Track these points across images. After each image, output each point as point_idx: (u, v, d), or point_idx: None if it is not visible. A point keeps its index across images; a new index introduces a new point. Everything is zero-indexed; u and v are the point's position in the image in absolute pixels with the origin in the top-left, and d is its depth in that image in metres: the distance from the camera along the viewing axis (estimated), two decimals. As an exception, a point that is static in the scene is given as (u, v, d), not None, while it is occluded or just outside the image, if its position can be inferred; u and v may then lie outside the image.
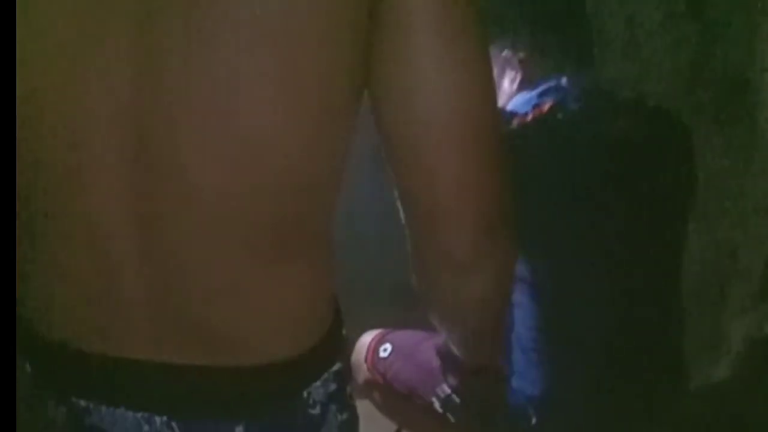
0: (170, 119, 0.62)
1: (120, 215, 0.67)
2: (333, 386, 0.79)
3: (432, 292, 0.80)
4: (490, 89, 0.66)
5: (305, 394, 0.76)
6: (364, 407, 2.07)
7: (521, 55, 1.23)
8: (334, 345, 0.80)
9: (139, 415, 0.75)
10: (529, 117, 1.12)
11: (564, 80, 1.16)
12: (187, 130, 0.62)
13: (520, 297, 1.19)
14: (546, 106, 1.12)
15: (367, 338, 1.52)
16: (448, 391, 1.20)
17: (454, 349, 0.91)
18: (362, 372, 1.50)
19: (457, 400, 1.18)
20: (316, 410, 0.78)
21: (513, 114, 1.15)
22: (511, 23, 1.23)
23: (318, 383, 0.77)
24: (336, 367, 0.79)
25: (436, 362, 1.34)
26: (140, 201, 0.66)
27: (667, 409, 1.21)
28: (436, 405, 1.25)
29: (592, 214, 1.12)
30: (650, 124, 1.16)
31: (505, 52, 1.24)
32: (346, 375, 0.81)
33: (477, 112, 0.64)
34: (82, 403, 0.76)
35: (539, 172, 1.10)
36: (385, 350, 1.46)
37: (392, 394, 1.46)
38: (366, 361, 1.49)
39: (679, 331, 1.23)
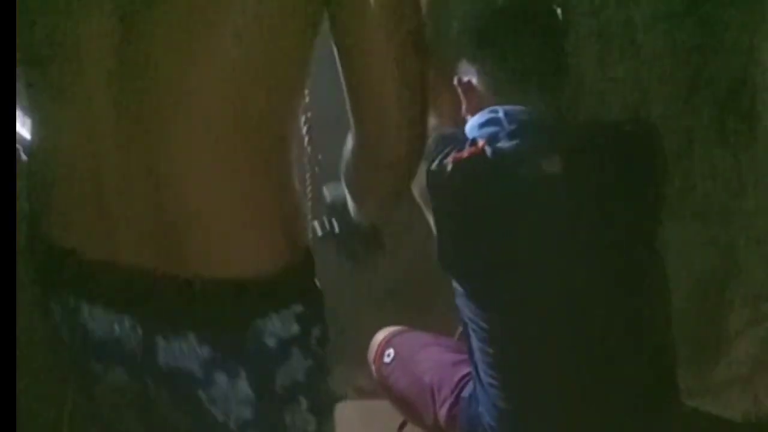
0: (150, 23, 0.71)
1: (107, 119, 0.75)
2: (295, 328, 0.83)
3: (360, 181, 0.94)
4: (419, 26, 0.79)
5: (258, 321, 0.80)
6: (365, 407, 2.09)
7: (470, 79, 1.19)
8: (298, 286, 0.85)
9: (112, 315, 0.82)
10: (465, 153, 1.08)
11: (501, 112, 1.12)
12: (163, 32, 0.71)
13: (475, 340, 1.19)
14: (480, 143, 1.09)
15: (378, 337, 1.54)
16: (329, 225, 1.28)
17: (352, 207, 1.01)
18: (372, 371, 1.52)
19: (336, 231, 1.27)
20: (272, 342, 0.82)
21: (459, 142, 1.12)
22: (467, 49, 1.20)
23: (275, 317, 0.81)
24: (298, 309, 0.83)
25: (428, 378, 1.36)
26: (124, 100, 0.74)
27: None
28: (318, 230, 1.30)
29: (534, 255, 1.09)
30: (591, 159, 1.10)
31: (456, 78, 1.21)
32: (312, 322, 0.85)
33: (406, 43, 0.77)
34: (72, 301, 0.84)
35: (477, 213, 1.09)
36: (389, 355, 1.47)
37: (396, 398, 1.48)
38: (374, 362, 1.50)
39: (649, 362, 1.18)
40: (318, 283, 0.89)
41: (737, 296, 1.77)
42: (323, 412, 0.90)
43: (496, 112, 1.13)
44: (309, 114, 1.41)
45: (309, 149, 1.43)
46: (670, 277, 1.22)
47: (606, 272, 1.11)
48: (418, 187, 1.17)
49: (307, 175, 1.49)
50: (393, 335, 1.52)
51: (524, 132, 1.09)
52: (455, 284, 1.18)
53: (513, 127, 1.09)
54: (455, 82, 1.21)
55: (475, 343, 1.19)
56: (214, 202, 0.76)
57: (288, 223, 0.83)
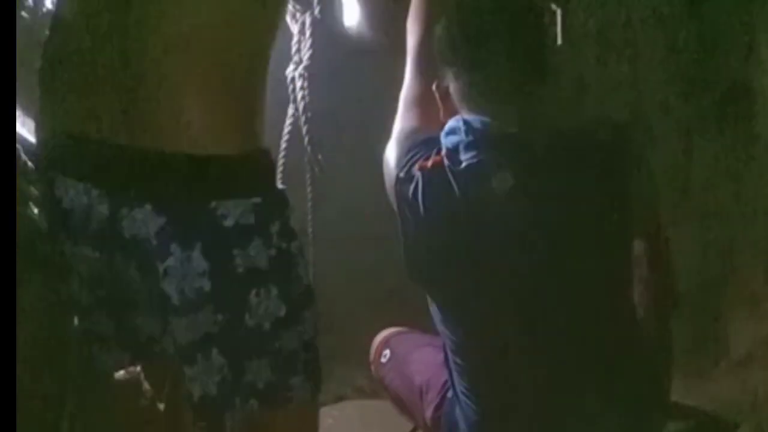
0: None
1: (99, 22, 0.88)
2: (251, 218, 0.90)
3: None
4: None
5: (213, 202, 0.89)
6: (365, 407, 2.08)
7: (447, 85, 1.17)
8: (257, 180, 0.93)
9: (81, 186, 0.91)
10: (429, 163, 1.09)
11: (461, 122, 1.11)
12: None
13: (447, 349, 1.20)
14: (442, 152, 1.09)
15: (378, 337, 1.55)
16: None
17: None
18: (372, 371, 1.54)
19: None
20: (229, 223, 0.90)
21: (431, 148, 1.12)
22: (443, 54, 1.18)
23: (231, 203, 0.90)
24: (257, 200, 0.91)
25: (418, 379, 1.37)
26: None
27: None
28: None
29: (490, 268, 1.09)
30: (545, 173, 1.08)
31: (435, 82, 1.20)
32: (270, 216, 0.93)
33: None
34: (51, 174, 0.94)
35: (437, 224, 1.09)
36: (385, 356, 1.49)
37: (392, 398, 1.50)
38: (372, 363, 1.52)
39: (632, 359, 1.17)
40: (281, 186, 0.97)
41: (736, 297, 1.77)
42: (296, 301, 0.95)
43: (459, 121, 1.12)
44: (309, 114, 1.41)
45: (309, 149, 1.43)
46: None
47: (566, 284, 1.10)
48: (388, 192, 1.18)
49: (307, 176, 1.50)
50: (391, 336, 1.53)
51: (479, 145, 1.08)
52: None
53: (470, 138, 1.09)
54: (434, 86, 1.20)
55: (448, 352, 1.20)
56: (183, 92, 0.87)
57: (247, 120, 0.92)
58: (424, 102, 1.24)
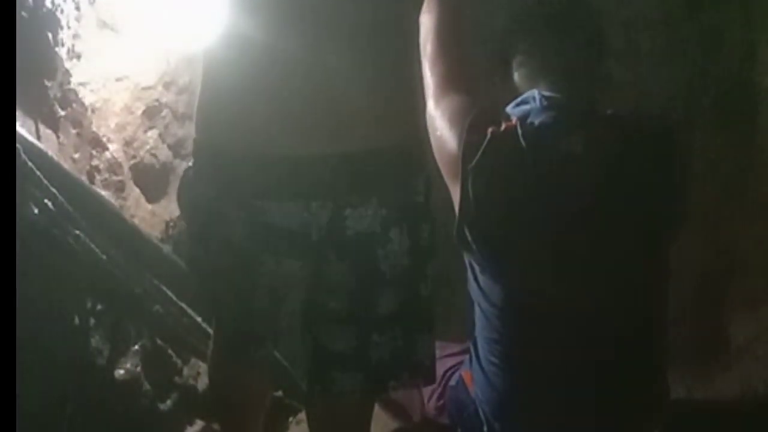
0: None
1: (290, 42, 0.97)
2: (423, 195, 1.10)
3: None
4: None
5: (411, 181, 1.06)
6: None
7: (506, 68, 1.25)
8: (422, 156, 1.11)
9: (297, 204, 0.99)
10: (502, 126, 1.13)
11: (537, 94, 1.18)
12: None
13: (481, 320, 1.22)
14: (514, 119, 1.14)
15: None
16: None
17: None
18: None
19: None
20: (420, 198, 1.08)
21: (497, 118, 1.16)
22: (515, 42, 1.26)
23: (419, 181, 1.07)
24: (426, 172, 1.11)
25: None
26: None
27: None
28: None
29: (550, 231, 1.13)
30: (612, 146, 1.15)
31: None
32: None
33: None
34: (258, 203, 1.00)
35: (505, 185, 1.13)
36: None
37: (384, 399, 1.49)
38: None
39: (657, 346, 1.22)
40: None
41: (738, 296, 1.77)
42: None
43: (533, 92, 1.19)
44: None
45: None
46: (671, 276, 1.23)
47: (614, 258, 1.15)
48: (445, 160, 1.19)
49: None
50: None
51: (553, 111, 1.15)
52: (469, 261, 1.20)
53: (545, 104, 1.16)
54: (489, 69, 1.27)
55: (481, 325, 1.22)
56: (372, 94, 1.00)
57: (409, 114, 1.09)
58: (470, 80, 1.27)
